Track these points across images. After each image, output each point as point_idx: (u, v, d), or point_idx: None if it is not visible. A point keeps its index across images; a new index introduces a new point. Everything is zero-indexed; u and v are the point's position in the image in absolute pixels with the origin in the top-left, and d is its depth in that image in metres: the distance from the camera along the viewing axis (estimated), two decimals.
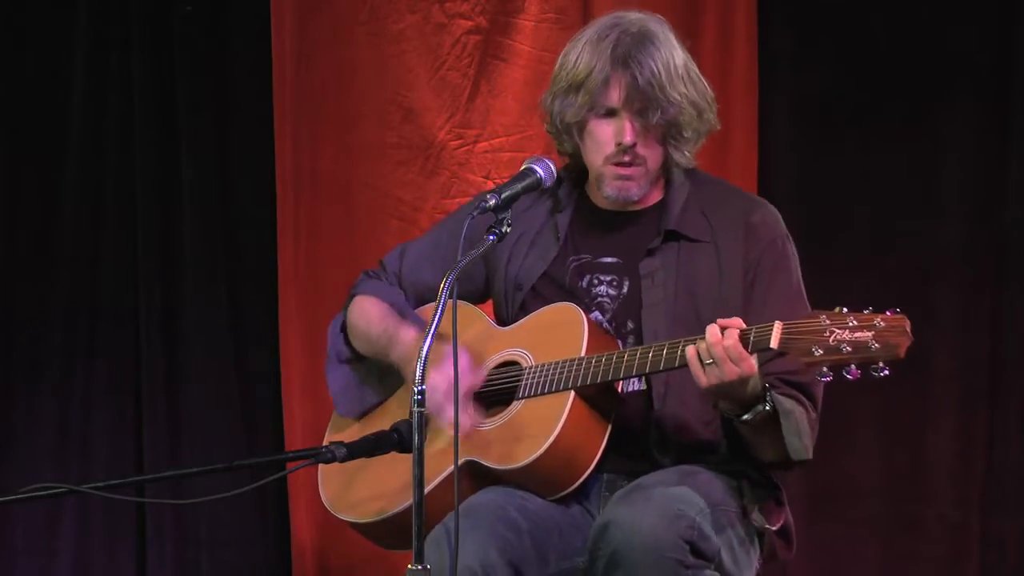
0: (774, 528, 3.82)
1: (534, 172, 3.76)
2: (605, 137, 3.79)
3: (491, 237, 3.65)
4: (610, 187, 3.83)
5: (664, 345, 3.65)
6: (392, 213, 5.34)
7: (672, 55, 3.76)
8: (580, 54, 3.79)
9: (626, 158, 3.79)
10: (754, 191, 5.09)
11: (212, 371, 5.50)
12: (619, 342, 3.82)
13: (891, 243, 5.17)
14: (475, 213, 3.66)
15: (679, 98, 3.75)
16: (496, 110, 5.29)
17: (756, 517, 3.77)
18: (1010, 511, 5.11)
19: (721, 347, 3.52)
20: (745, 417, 3.62)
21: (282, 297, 5.43)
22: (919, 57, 5.15)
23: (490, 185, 5.18)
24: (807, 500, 5.09)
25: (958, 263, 5.14)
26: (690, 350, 3.56)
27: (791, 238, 3.88)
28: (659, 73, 3.72)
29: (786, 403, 3.65)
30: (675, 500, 3.59)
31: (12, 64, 5.52)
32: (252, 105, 5.49)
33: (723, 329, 3.54)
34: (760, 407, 3.60)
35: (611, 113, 3.78)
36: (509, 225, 3.66)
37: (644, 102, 3.74)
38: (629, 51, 3.74)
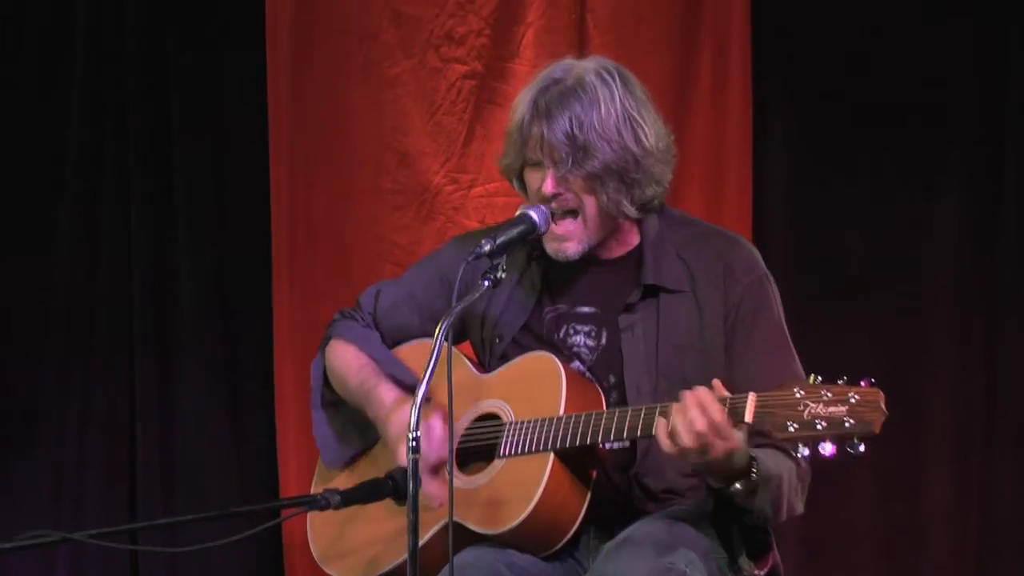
0: (762, 573, 3.78)
1: (529, 218, 3.76)
2: (533, 186, 3.79)
3: (486, 283, 3.65)
4: (548, 247, 3.81)
5: (644, 409, 3.60)
6: (388, 258, 5.33)
7: (598, 107, 3.71)
8: (518, 101, 3.79)
9: (553, 206, 3.76)
10: (748, 229, 5.10)
11: (206, 417, 5.48)
12: (601, 393, 3.79)
13: (885, 286, 5.16)
14: (470, 259, 3.67)
15: (599, 148, 3.69)
16: (491, 155, 5.17)
17: (745, 563, 3.73)
18: (1006, 560, 5.09)
19: (705, 423, 3.45)
20: (732, 489, 3.57)
21: (277, 342, 5.41)
22: (913, 94, 5.16)
23: None
24: (803, 546, 5.07)
25: (952, 303, 5.14)
26: (661, 429, 3.49)
27: (771, 277, 3.84)
28: (570, 127, 3.68)
29: (772, 467, 3.59)
30: (664, 553, 3.56)
31: (6, 105, 5.51)
32: (248, 150, 5.49)
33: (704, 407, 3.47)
34: (748, 478, 3.55)
35: (537, 164, 3.76)
36: (504, 271, 3.66)
37: (557, 154, 3.71)
38: (549, 104, 3.72)
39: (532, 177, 3.78)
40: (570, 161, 3.70)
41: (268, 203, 5.44)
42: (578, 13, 5.24)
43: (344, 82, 5.41)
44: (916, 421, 5.08)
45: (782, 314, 3.83)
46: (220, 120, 5.54)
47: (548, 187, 3.74)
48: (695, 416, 3.45)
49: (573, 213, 3.77)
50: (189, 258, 5.50)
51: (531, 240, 3.82)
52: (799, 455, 3.40)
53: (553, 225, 3.77)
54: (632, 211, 3.77)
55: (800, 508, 3.71)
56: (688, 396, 3.48)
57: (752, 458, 3.54)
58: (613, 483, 3.78)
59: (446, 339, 3.51)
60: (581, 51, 5.21)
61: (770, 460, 3.59)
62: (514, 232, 3.73)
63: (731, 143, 5.19)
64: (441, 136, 5.34)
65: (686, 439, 3.46)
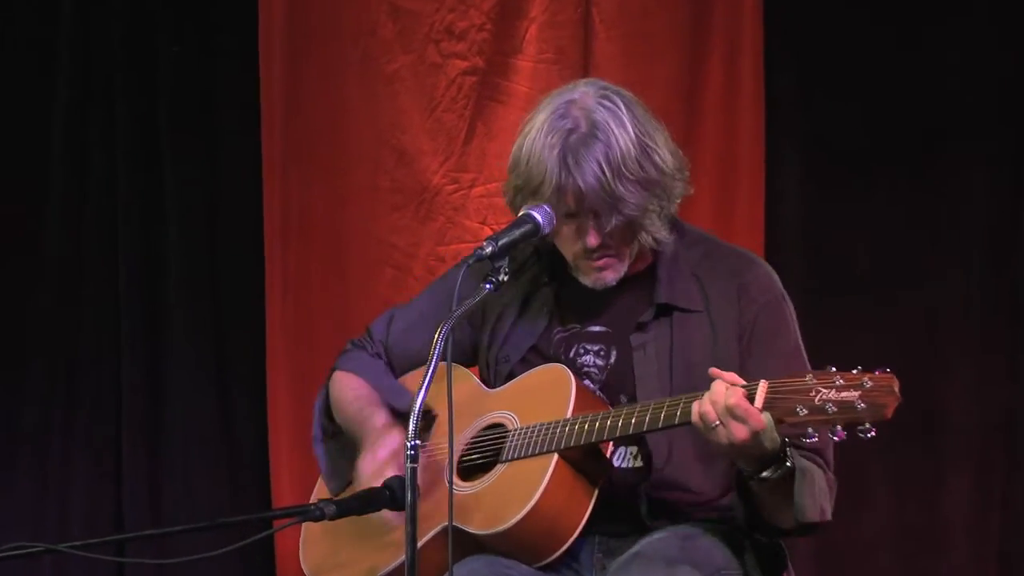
0: None
1: (532, 219, 3.67)
2: (570, 237, 3.75)
3: (488, 286, 3.57)
4: (586, 279, 3.79)
5: (652, 405, 3.58)
6: (386, 261, 5.30)
7: (617, 141, 3.66)
8: (531, 151, 3.70)
9: (595, 255, 3.74)
10: (760, 240, 5.10)
11: (197, 425, 5.46)
12: (611, 408, 3.75)
13: (902, 294, 5.16)
14: (471, 261, 3.60)
15: (632, 192, 3.66)
16: (492, 153, 5.23)
17: None
18: None
19: (723, 407, 3.44)
20: (764, 475, 3.52)
21: (270, 348, 5.38)
22: (928, 104, 5.16)
23: (486, 231, 5.16)
24: (820, 553, 5.07)
25: (970, 313, 5.14)
26: (695, 415, 3.49)
27: (787, 297, 3.83)
28: (604, 175, 3.63)
29: (803, 461, 3.57)
30: (675, 569, 3.55)
31: None
32: (241, 145, 5.45)
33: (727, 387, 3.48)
34: (780, 464, 3.51)
35: (571, 215, 3.71)
36: (506, 273, 3.59)
37: (596, 207, 3.68)
38: (575, 155, 3.64)
39: (564, 227, 3.72)
40: (612, 213, 3.66)
41: (261, 200, 5.40)
42: (583, 7, 5.21)
43: (340, 78, 5.37)
44: (936, 425, 5.09)
45: (799, 335, 3.81)
46: (211, 115, 5.51)
47: (591, 240, 3.69)
48: (715, 399, 3.46)
49: (612, 252, 3.75)
50: (179, 256, 5.48)
51: (543, 255, 3.82)
52: (807, 440, 3.40)
53: (591, 261, 3.74)
54: (667, 236, 3.76)
55: (830, 514, 3.67)
56: (715, 383, 3.49)
57: (785, 443, 3.50)
58: (622, 498, 3.73)
59: (444, 350, 3.43)
60: (586, 47, 5.21)
61: (800, 458, 3.57)
62: (517, 233, 3.65)
63: (743, 142, 5.17)
64: (441, 134, 5.29)
65: (711, 423, 3.46)
